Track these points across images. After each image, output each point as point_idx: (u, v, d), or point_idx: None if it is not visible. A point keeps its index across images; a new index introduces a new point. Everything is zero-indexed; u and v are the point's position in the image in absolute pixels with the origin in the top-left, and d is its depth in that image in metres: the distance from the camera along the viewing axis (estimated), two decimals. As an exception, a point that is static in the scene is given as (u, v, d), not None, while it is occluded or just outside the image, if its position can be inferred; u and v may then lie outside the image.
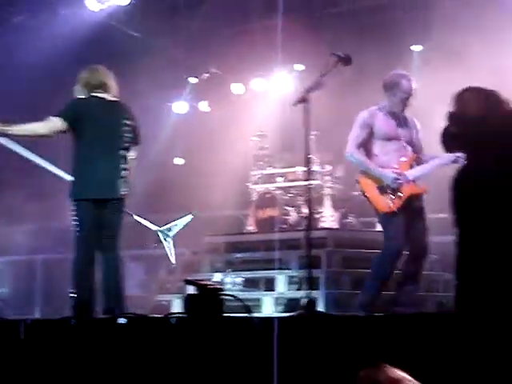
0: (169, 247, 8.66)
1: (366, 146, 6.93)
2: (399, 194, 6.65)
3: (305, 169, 6.27)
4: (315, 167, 10.15)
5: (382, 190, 6.76)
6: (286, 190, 10.70)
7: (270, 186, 10.81)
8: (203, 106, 13.05)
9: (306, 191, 6.63)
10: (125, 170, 6.70)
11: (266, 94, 12.44)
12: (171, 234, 8.90)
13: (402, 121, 6.87)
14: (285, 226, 10.21)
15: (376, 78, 10.80)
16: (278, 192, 10.65)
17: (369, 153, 6.90)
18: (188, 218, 8.88)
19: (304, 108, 5.88)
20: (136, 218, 8.22)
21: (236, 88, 12.65)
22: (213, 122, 12.49)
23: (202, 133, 12.37)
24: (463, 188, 4.22)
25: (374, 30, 10.95)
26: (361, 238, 9.73)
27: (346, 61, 6.01)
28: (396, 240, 6.75)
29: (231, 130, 11.93)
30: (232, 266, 9.42)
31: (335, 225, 10.23)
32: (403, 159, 6.80)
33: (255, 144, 11.21)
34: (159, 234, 8.71)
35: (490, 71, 8.76)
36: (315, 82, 5.98)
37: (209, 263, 9.79)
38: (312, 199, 7.89)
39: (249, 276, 9.23)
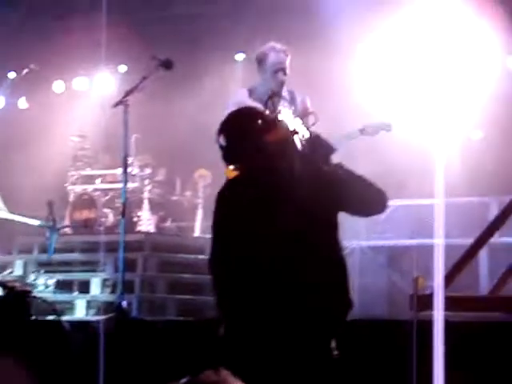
0: (52, 240, 8.29)
1: None
2: None
3: (123, 171, 6.22)
4: (135, 170, 10.10)
5: None
6: (104, 191, 10.60)
7: (89, 188, 10.67)
8: (22, 102, 12.68)
9: (124, 194, 6.57)
10: None
11: (88, 93, 12.25)
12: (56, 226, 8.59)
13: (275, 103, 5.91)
14: (102, 228, 10.09)
15: (197, 84, 10.93)
16: (96, 193, 10.52)
17: None
18: None
19: (124, 110, 5.84)
20: (11, 216, 7.93)
21: (57, 86, 12.38)
22: (31, 120, 12.15)
23: (19, 130, 12.02)
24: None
25: (198, 36, 11.01)
26: (177, 243, 9.78)
27: (167, 65, 6.00)
28: None
29: (50, 128, 11.66)
30: (45, 267, 9.22)
31: (152, 229, 10.21)
32: None
33: (75, 144, 11.02)
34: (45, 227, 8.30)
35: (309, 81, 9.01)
36: (136, 84, 5.94)
37: (22, 264, 9.54)
38: (128, 202, 7.84)
39: (62, 278, 9.06)
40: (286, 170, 3.88)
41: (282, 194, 3.87)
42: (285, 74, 6.02)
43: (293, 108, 5.95)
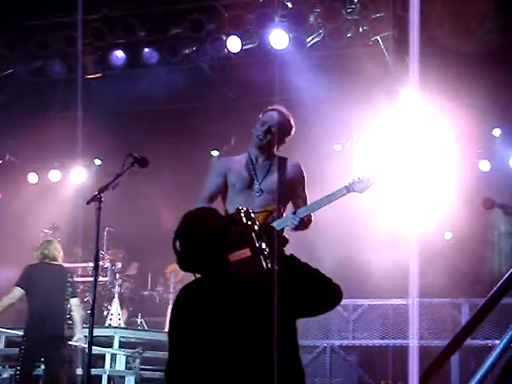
0: None
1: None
2: None
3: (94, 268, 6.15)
4: (106, 264, 10.03)
5: None
6: (74, 284, 10.47)
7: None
8: (-5, 192, 12.66)
9: (94, 288, 6.48)
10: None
11: (62, 185, 12.26)
12: None
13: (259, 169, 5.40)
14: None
15: (170, 181, 10.95)
16: (66, 286, 10.39)
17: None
18: None
19: (96, 207, 5.80)
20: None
21: (32, 178, 12.39)
22: (4, 211, 12.11)
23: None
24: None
25: (174, 133, 11.11)
26: (147, 339, 9.63)
27: (142, 163, 5.95)
28: None
29: (23, 220, 11.61)
30: (11, 362, 9.04)
31: (122, 323, 10.07)
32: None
33: (47, 236, 10.93)
34: None
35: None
36: (110, 181, 5.91)
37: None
38: (99, 296, 7.73)
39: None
40: (246, 285, 3.79)
41: (240, 306, 3.79)
42: (267, 134, 5.30)
43: (280, 174, 5.32)
